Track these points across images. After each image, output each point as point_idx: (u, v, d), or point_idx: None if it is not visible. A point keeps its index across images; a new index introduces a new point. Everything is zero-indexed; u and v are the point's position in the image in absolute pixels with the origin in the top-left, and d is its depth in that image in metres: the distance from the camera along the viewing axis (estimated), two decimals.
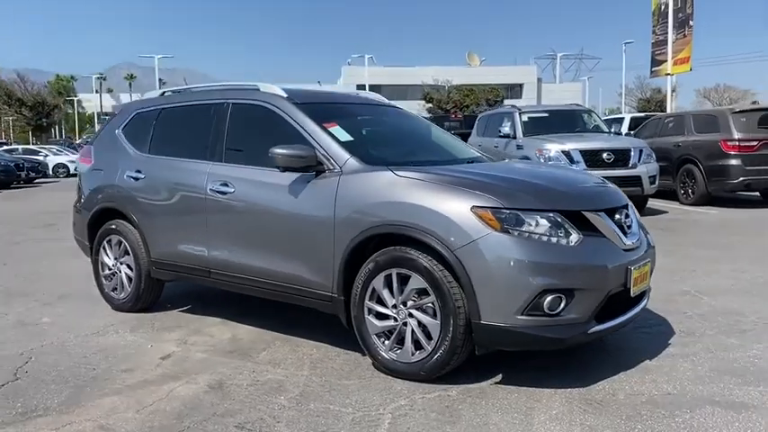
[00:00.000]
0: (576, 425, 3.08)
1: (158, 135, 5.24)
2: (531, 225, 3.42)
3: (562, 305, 3.37)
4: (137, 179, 5.13)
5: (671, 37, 18.16)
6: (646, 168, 11.02)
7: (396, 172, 3.81)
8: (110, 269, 5.44)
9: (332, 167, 4.04)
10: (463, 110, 38.96)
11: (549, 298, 3.34)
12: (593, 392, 3.47)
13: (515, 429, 3.06)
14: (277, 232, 4.22)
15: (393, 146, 4.82)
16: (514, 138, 12.01)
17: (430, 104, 40.77)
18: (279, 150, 4.04)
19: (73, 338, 4.67)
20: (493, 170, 4.16)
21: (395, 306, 3.72)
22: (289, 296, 4.27)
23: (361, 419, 3.21)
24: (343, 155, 4.05)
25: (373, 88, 59.17)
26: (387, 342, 3.77)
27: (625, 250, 3.67)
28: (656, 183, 11.19)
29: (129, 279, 5.28)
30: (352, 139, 4.28)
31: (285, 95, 4.57)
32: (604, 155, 10.88)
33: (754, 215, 11.26)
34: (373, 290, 3.78)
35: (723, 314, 4.91)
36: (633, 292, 3.68)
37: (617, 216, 3.78)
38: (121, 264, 5.34)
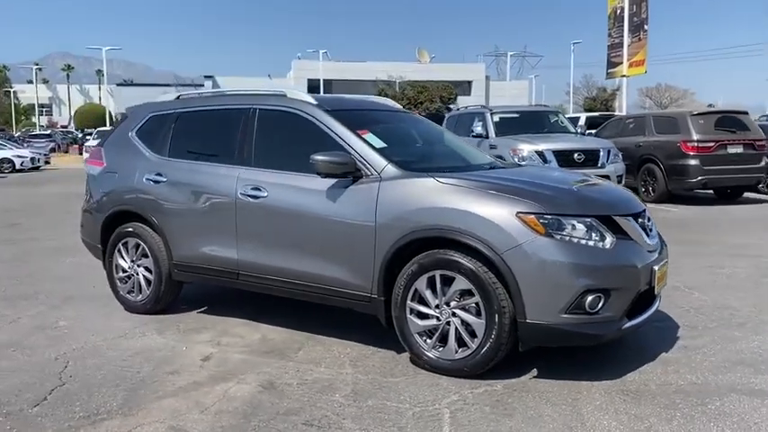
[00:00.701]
0: (622, 414, 3.36)
1: (178, 138, 5.28)
2: (571, 229, 3.67)
3: (600, 304, 3.65)
4: (157, 182, 5.17)
5: (626, 40, 18.95)
6: (614, 168, 11.53)
7: (437, 179, 4.01)
8: (125, 272, 5.45)
9: (369, 173, 4.21)
10: (417, 107, 39.30)
11: (589, 297, 3.61)
12: (626, 384, 3.76)
13: (567, 420, 3.31)
14: (314, 235, 4.36)
15: (419, 151, 5.00)
16: (487, 137, 12.34)
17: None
18: (320, 157, 4.19)
19: (101, 341, 4.70)
20: (525, 176, 4.40)
21: (437, 306, 3.92)
22: (324, 297, 4.42)
23: (422, 414, 3.41)
24: (381, 161, 4.22)
25: (325, 83, 59.18)
26: (429, 341, 3.97)
27: (648, 251, 3.98)
28: (623, 182, 11.72)
29: (148, 281, 5.32)
30: (385, 145, 4.46)
31: (315, 102, 4.70)
32: (575, 155, 11.33)
33: (711, 212, 11.91)
34: (416, 290, 3.98)
35: (717, 308, 5.30)
36: (656, 290, 3.99)
37: (640, 220, 4.08)
38: (139, 266, 5.36)
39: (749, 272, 6.65)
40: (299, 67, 64.70)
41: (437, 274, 3.89)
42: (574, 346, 4.17)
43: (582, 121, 20.19)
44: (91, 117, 57.81)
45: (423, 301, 3.98)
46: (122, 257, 5.45)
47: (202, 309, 5.51)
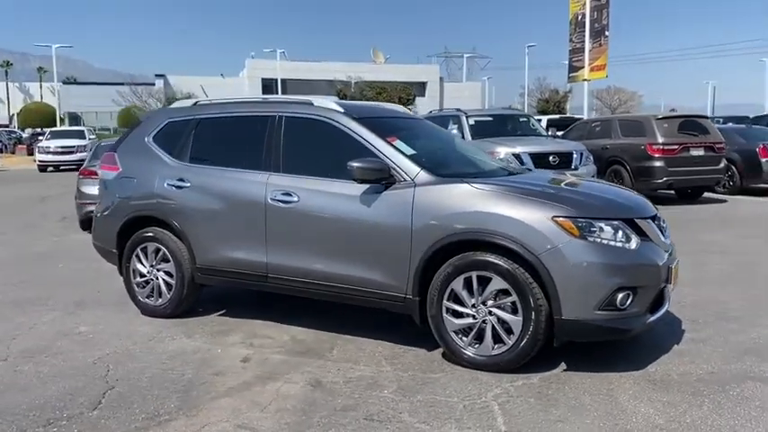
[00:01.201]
0: (656, 401, 3.65)
1: (199, 144, 5.37)
2: (601, 232, 3.96)
3: (629, 300, 3.94)
4: (180, 187, 5.25)
5: (588, 45, 19.65)
6: (586, 170, 11.97)
7: (473, 184, 4.24)
8: (143, 276, 5.51)
9: (402, 179, 4.41)
10: None
11: (620, 295, 3.90)
12: (650, 374, 4.06)
13: (608, 408, 3.59)
14: (348, 239, 4.54)
15: (442, 157, 5.21)
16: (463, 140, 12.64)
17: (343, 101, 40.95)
18: (357, 164, 4.37)
19: (132, 346, 4.76)
20: (551, 182, 4.67)
21: (474, 305, 4.15)
22: (358, 298, 4.60)
23: (472, 407, 3.63)
24: (414, 168, 4.43)
25: (281, 82, 58.76)
26: (465, 338, 4.20)
27: (664, 251, 4.29)
28: None
29: (168, 285, 5.38)
30: (414, 152, 4.67)
31: (342, 110, 4.87)
32: (550, 158, 11.73)
33: (676, 212, 12.47)
34: (452, 291, 4.20)
35: (711, 303, 5.69)
36: (672, 287, 4.32)
37: (656, 222, 4.40)
38: (158, 270, 5.43)
39: (729, 268, 7.11)
40: (252, 66, 64.26)
41: (474, 274, 4.12)
42: (591, 342, 4.46)
43: (543, 124, 20.77)
44: (37, 116, 55.95)
45: (458, 301, 4.20)
46: (141, 262, 5.50)
47: (221, 312, 5.60)
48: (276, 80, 60.03)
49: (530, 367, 4.11)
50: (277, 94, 54.75)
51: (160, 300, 5.44)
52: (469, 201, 4.17)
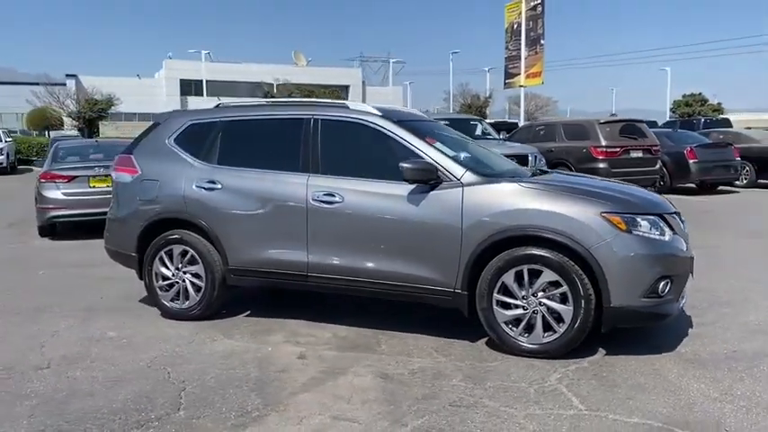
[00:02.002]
0: (702, 378, 4.05)
1: (229, 146, 5.39)
2: (643, 226, 4.33)
3: (668, 288, 4.34)
4: (210, 189, 5.25)
5: (524, 53, 20.53)
6: None
7: (521, 184, 4.53)
8: (166, 279, 5.46)
9: (449, 179, 4.63)
10: None
11: (661, 283, 4.29)
12: (683, 355, 4.47)
13: (665, 385, 3.94)
14: (395, 237, 4.71)
15: (474, 158, 5.44)
16: None
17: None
18: (408, 165, 4.57)
19: (177, 348, 4.74)
20: (586, 181, 5.03)
21: (524, 297, 4.43)
22: (404, 294, 4.79)
23: (543, 390, 3.90)
24: (459, 168, 4.67)
25: (199, 84, 57.36)
26: (515, 328, 4.47)
27: (687, 244, 4.73)
28: None
29: (196, 288, 5.37)
30: (455, 153, 4.91)
31: (380, 113, 5.05)
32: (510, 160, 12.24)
33: None
34: (503, 284, 4.46)
35: (699, 291, 6.17)
36: (692, 276, 4.76)
37: (678, 217, 4.83)
38: (185, 273, 5.40)
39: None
40: (170, 66, 62.36)
41: (525, 268, 4.40)
42: (617, 329, 4.83)
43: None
44: None
45: (508, 293, 4.47)
46: (165, 265, 5.46)
47: (246, 313, 5.62)
48: (195, 81, 58.63)
49: (574, 354, 4.43)
50: (203, 95, 53.50)
51: (187, 302, 5.42)
52: (520, 199, 4.45)
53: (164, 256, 5.46)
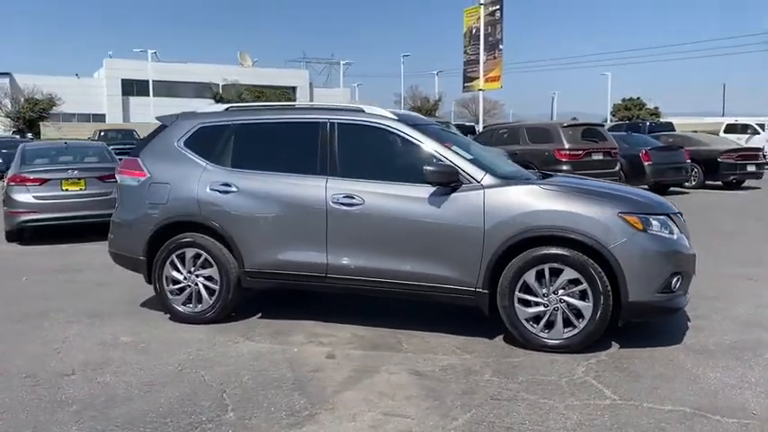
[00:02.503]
0: (716, 367, 4.31)
1: (243, 149, 5.42)
2: (655, 225, 4.59)
3: (678, 284, 4.61)
4: (226, 192, 5.26)
5: (482, 57, 21.00)
6: None
7: (540, 186, 4.72)
8: (177, 283, 5.43)
9: (468, 182, 4.79)
10: None
11: (674, 279, 4.55)
12: (691, 347, 4.74)
13: (684, 375, 4.19)
14: (416, 238, 4.83)
15: (489, 161, 5.57)
16: None
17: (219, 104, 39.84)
18: (431, 168, 4.71)
19: (203, 351, 4.74)
20: (593, 183, 5.26)
21: (545, 294, 4.62)
22: (424, 294, 4.92)
23: (573, 382, 4.10)
24: (479, 171, 4.83)
25: (143, 84, 55.98)
26: (536, 325, 4.66)
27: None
28: None
29: (210, 291, 5.36)
30: (471, 156, 5.07)
31: (396, 117, 5.17)
32: None
33: None
34: (524, 282, 4.64)
35: None
36: (695, 273, 5.05)
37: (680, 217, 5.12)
38: (197, 276, 5.39)
39: None
40: (111, 66, 60.69)
41: (546, 267, 4.59)
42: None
43: None
44: None
45: (529, 291, 4.65)
46: (176, 269, 5.43)
47: (258, 315, 5.64)
48: (137, 81, 57.29)
49: (591, 348, 4.64)
50: (149, 95, 52.25)
51: (200, 306, 5.40)
52: (541, 201, 4.64)
53: (175, 259, 5.42)
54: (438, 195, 4.81)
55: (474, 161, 4.99)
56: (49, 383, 4.17)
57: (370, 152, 5.26)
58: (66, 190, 9.77)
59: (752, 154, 18.05)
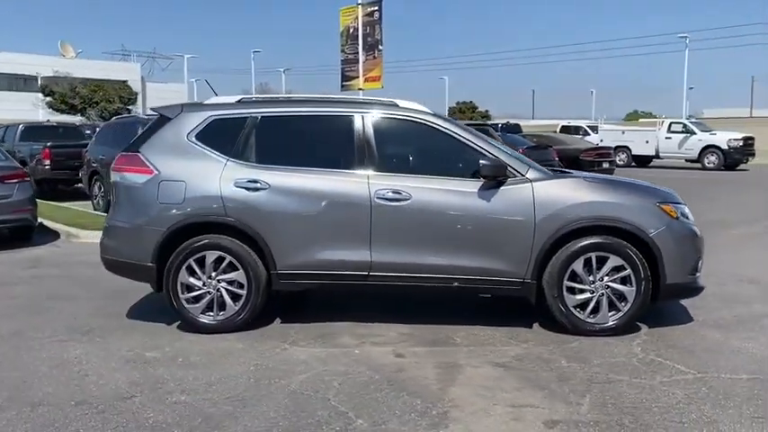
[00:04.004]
0: (744, 339, 4.82)
1: (268, 144, 5.10)
2: (681, 213, 5.02)
3: (701, 265, 5.09)
4: (254, 189, 4.91)
5: (361, 57, 21.16)
6: None
7: (586, 179, 4.97)
8: (193, 290, 4.99)
9: (514, 176, 4.92)
10: (93, 107, 35.94)
11: (699, 262, 5.02)
12: (709, 323, 5.22)
13: (723, 348, 4.64)
14: (467, 232, 4.86)
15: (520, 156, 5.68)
16: None
17: (50, 98, 36.21)
18: (487, 162, 4.79)
19: (259, 361, 4.41)
20: (617, 177, 5.59)
21: (592, 282, 4.88)
22: (473, 288, 4.97)
23: (644, 361, 4.37)
24: (524, 165, 4.98)
25: None
26: (582, 311, 4.90)
27: None
28: None
29: (235, 296, 4.98)
30: (511, 151, 5.19)
31: (432, 112, 5.15)
32: None
33: None
34: (572, 271, 4.86)
35: None
36: None
37: None
38: (219, 282, 4.98)
39: None
40: None
41: (593, 255, 4.85)
42: None
43: None
44: None
45: (576, 279, 4.88)
46: (193, 275, 4.97)
47: (275, 321, 5.29)
48: None
49: (627, 330, 4.97)
50: None
51: (222, 313, 4.99)
52: (588, 193, 4.89)
53: (193, 264, 4.96)
54: (486, 189, 4.87)
55: (513, 156, 5.12)
56: (116, 409, 3.66)
57: (410, 147, 5.21)
58: None
59: (606, 152, 20.11)
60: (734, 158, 25.84)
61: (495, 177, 4.84)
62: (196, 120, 5.15)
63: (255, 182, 4.93)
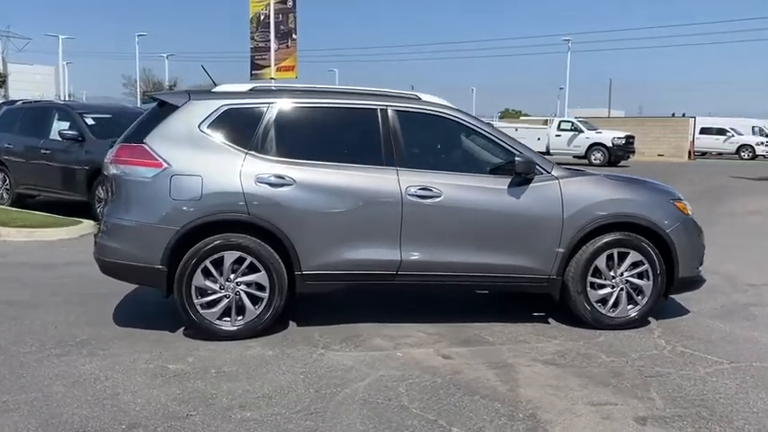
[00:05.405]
0: (746, 327, 5.13)
1: (290, 136, 4.80)
2: (688, 210, 5.27)
3: (703, 257, 5.36)
4: (279, 185, 4.59)
5: (273, 46, 20.41)
6: None
7: (607, 176, 5.07)
8: (208, 294, 4.60)
9: (540, 173, 4.93)
10: None
11: (704, 255, 5.29)
12: (712, 312, 5.50)
13: (735, 337, 4.91)
14: (498, 229, 4.83)
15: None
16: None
17: None
18: (521, 159, 4.77)
19: (305, 369, 4.15)
20: (626, 176, 5.73)
21: (613, 277, 5.00)
22: (499, 285, 4.96)
23: (675, 352, 4.55)
24: (549, 162, 5.01)
25: None
26: (603, 306, 5.01)
27: None
28: None
29: (255, 299, 4.65)
30: (531, 149, 5.20)
31: (454, 106, 5.05)
32: None
33: None
34: (595, 267, 4.96)
35: None
36: None
37: None
38: (238, 284, 4.62)
39: None
40: None
41: (615, 251, 4.97)
42: None
43: None
44: None
45: (599, 275, 4.98)
46: (209, 277, 4.58)
47: (292, 325, 5.00)
48: None
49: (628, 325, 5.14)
50: None
51: (241, 318, 4.64)
52: (611, 190, 5.00)
53: (209, 266, 4.57)
54: (516, 186, 4.86)
55: (537, 153, 5.13)
56: (178, 430, 3.28)
57: (436, 142, 5.08)
58: None
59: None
60: (617, 155, 27.73)
61: (525, 174, 4.83)
62: (207, 109, 4.73)
63: (281, 177, 4.61)
